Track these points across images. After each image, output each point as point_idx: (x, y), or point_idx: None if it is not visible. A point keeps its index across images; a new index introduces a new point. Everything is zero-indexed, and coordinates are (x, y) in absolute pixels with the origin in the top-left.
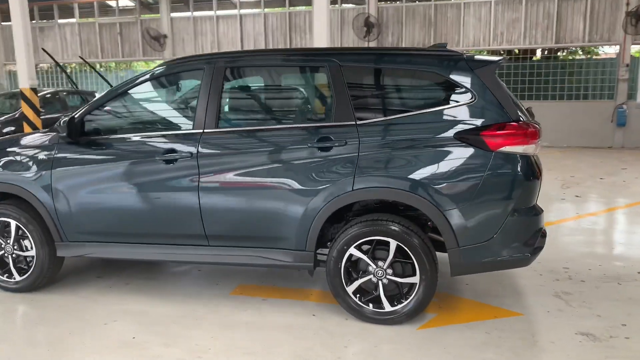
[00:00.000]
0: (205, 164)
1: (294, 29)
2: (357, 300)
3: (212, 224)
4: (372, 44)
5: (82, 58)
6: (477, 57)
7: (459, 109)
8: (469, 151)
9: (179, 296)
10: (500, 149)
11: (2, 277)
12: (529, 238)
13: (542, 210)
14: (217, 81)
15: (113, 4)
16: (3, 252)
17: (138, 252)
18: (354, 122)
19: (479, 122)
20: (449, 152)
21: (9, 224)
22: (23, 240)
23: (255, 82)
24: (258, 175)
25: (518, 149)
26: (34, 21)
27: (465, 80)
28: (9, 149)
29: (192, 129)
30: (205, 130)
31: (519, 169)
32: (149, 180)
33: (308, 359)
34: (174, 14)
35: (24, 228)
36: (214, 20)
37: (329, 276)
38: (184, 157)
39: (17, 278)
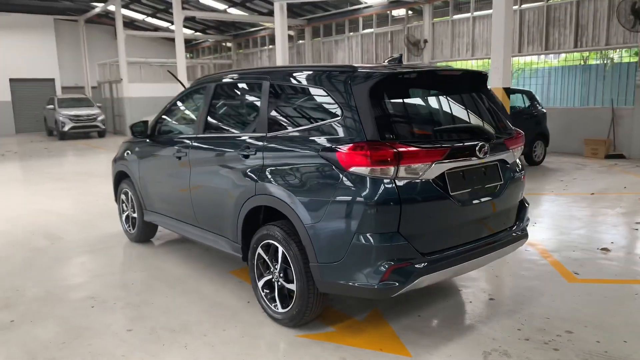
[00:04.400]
0: (191, 160)
1: (552, 23)
2: (263, 295)
3: (196, 208)
4: None
5: (170, 72)
6: (365, 72)
7: (329, 126)
8: (327, 169)
9: (199, 264)
10: (350, 169)
11: (127, 229)
12: (375, 268)
13: (407, 241)
14: (203, 96)
15: (389, 12)
16: (127, 212)
17: (168, 224)
18: (265, 134)
19: (340, 139)
20: (314, 168)
21: (128, 193)
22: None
23: (223, 97)
24: (210, 174)
25: (364, 170)
26: (331, 36)
27: (339, 96)
28: (125, 144)
29: (192, 134)
30: (196, 136)
31: (364, 191)
32: (167, 172)
33: (187, 328)
34: (436, 19)
35: (132, 197)
36: (470, 21)
37: (249, 269)
38: (184, 155)
39: (132, 231)
